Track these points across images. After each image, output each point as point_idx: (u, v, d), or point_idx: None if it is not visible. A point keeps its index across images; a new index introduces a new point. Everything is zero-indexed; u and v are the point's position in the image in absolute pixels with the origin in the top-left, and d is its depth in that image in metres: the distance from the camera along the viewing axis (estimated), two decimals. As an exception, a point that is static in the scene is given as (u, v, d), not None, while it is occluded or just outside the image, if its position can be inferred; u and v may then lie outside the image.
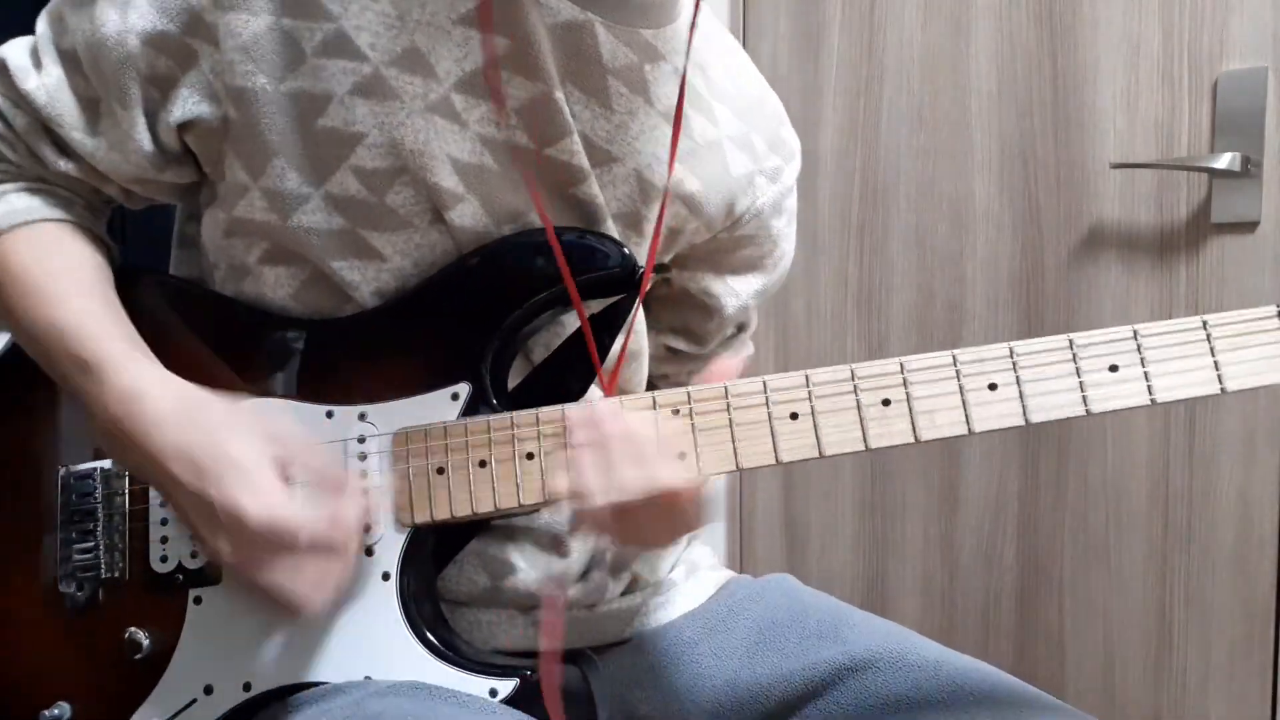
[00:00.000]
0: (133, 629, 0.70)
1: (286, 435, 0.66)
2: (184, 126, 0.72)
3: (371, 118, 0.69)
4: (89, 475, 0.73)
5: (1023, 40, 1.42)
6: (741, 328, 0.91)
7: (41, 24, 0.74)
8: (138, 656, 0.70)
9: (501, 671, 0.67)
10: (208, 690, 0.68)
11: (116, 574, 0.72)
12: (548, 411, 0.68)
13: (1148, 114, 1.33)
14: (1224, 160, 1.25)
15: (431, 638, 0.68)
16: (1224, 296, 1.30)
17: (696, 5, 0.76)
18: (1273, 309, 0.62)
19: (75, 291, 0.71)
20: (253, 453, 0.63)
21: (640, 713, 0.78)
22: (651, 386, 0.92)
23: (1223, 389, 0.62)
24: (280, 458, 0.64)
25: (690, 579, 0.86)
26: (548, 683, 0.67)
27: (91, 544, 0.72)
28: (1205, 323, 0.62)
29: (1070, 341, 0.63)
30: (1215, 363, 0.62)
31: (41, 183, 0.75)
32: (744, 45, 1.66)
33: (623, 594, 0.82)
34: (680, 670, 0.80)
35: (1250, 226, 1.27)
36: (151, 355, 0.70)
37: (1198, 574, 1.33)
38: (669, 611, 0.83)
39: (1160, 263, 1.34)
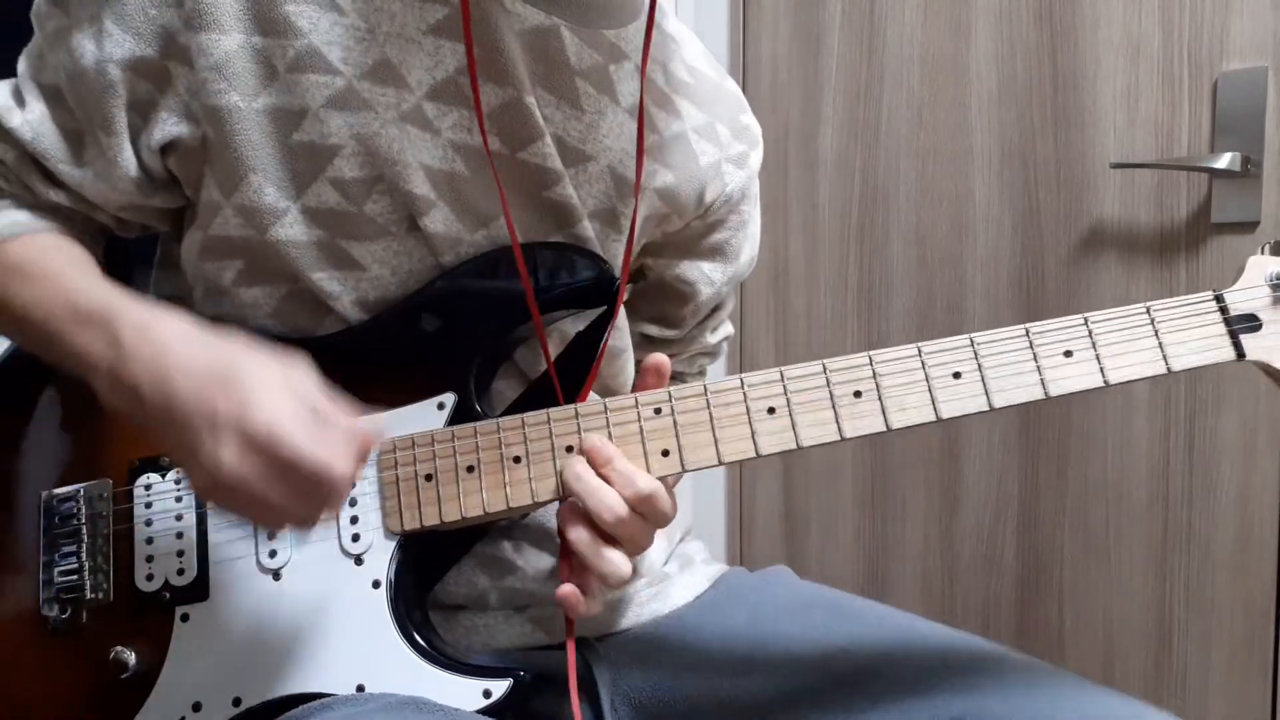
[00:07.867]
0: (118, 648, 0.70)
1: (305, 389, 0.62)
2: (165, 149, 0.72)
3: (347, 129, 0.70)
4: (71, 497, 0.73)
5: (1023, 40, 1.41)
6: (718, 308, 0.94)
7: (22, 63, 0.75)
8: (124, 676, 0.70)
9: (495, 673, 0.68)
10: (196, 707, 0.68)
11: (100, 594, 0.72)
12: (532, 416, 0.69)
13: (1148, 114, 1.33)
14: (1224, 160, 1.25)
15: (423, 642, 0.69)
16: (1224, 297, 1.30)
17: (651, 5, 0.77)
18: (1209, 294, 0.67)
19: (81, 273, 0.71)
20: (270, 378, 0.60)
21: (642, 699, 0.79)
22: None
23: (1168, 369, 0.66)
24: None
25: (685, 572, 0.88)
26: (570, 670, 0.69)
27: (75, 565, 0.72)
28: (1149, 308, 0.66)
29: (1026, 330, 0.66)
30: (1160, 344, 0.66)
31: (38, 209, 0.76)
32: (744, 45, 1.67)
33: None
34: (683, 656, 0.81)
35: (1250, 226, 1.27)
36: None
37: (1198, 574, 1.33)
38: (664, 603, 0.85)
39: (1160, 263, 1.34)
